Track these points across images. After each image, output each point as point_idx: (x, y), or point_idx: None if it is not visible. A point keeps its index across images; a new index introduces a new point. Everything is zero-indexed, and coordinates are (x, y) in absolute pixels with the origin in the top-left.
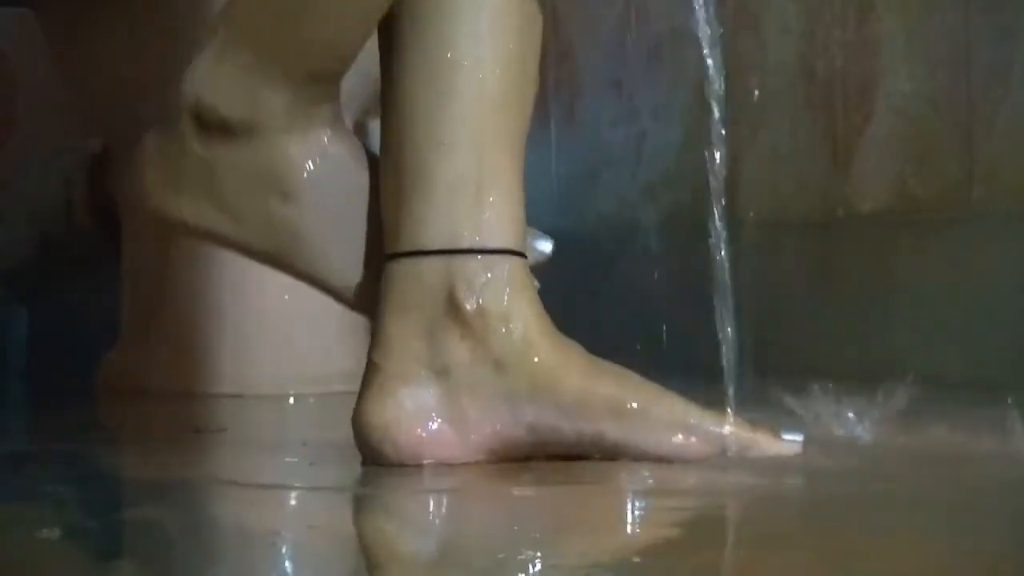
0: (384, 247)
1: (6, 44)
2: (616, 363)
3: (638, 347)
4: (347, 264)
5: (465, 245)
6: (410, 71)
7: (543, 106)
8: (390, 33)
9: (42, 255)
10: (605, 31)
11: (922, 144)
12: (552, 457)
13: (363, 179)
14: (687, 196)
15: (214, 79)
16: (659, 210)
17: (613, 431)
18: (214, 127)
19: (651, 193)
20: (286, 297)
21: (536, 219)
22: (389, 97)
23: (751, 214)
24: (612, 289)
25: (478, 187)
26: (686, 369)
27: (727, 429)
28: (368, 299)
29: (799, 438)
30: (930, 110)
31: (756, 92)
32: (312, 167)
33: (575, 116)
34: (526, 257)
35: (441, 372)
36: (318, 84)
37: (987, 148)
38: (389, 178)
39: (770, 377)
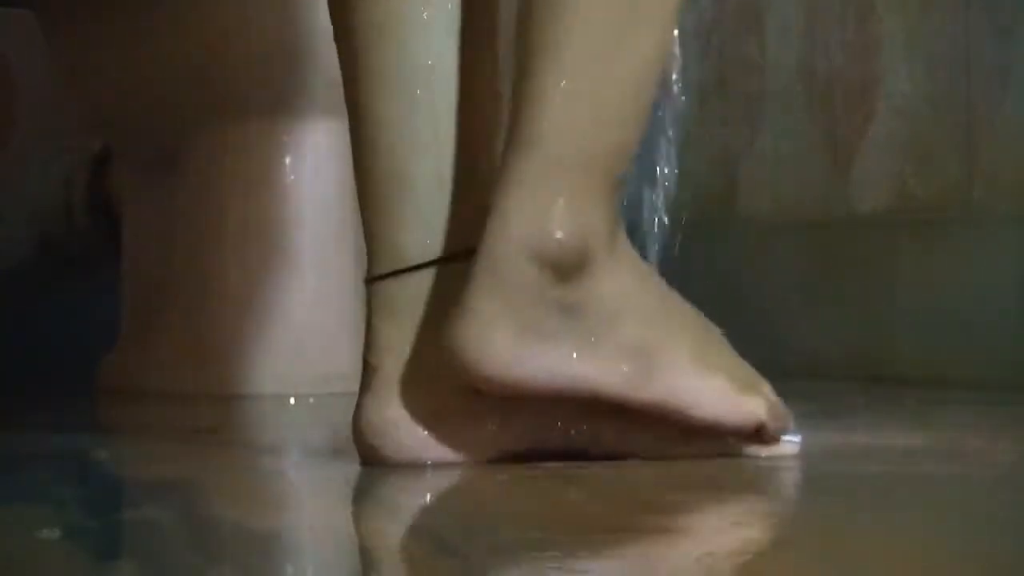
0: (368, 264)
1: (6, 44)
2: None
3: None
4: (691, 379)
5: (448, 252)
6: (375, 86)
7: None
8: (350, 47)
9: (42, 255)
10: None
11: (922, 144)
12: (551, 456)
13: (675, 297)
14: (687, 196)
15: (560, 211)
16: (658, 210)
17: (609, 428)
18: (572, 266)
19: (650, 193)
20: (286, 298)
21: None
22: (355, 115)
23: (751, 214)
24: None
25: (455, 193)
26: None
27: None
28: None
29: (797, 438)
30: (930, 110)
31: (756, 92)
32: (636, 264)
33: None
34: None
35: (437, 372)
36: (621, 186)
37: (987, 148)
38: (364, 195)
39: (770, 376)
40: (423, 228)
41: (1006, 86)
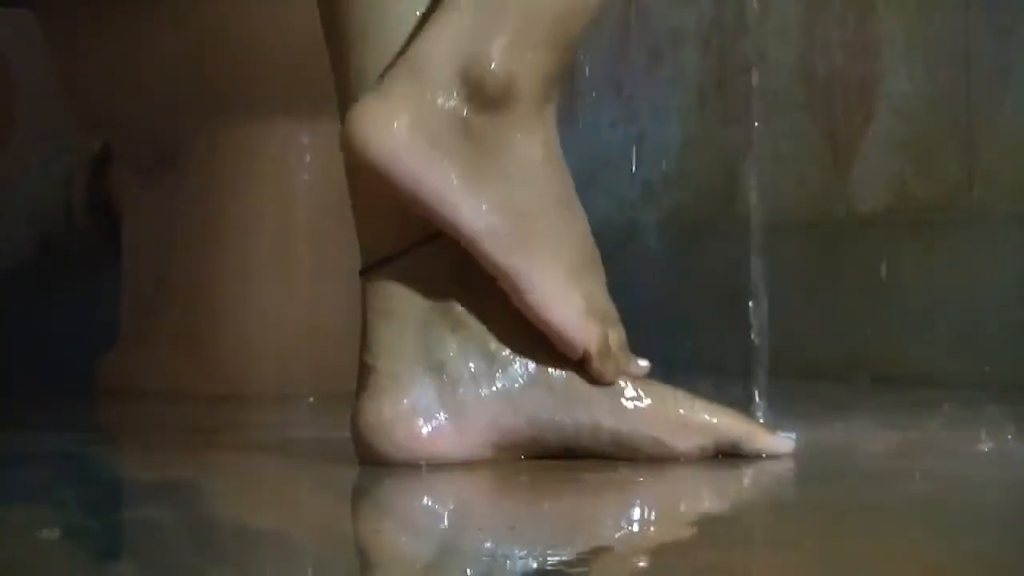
0: (361, 259)
1: (6, 44)
2: None
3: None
4: (555, 273)
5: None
6: (364, 85)
7: None
8: (340, 44)
9: (42, 255)
10: (605, 32)
11: (922, 144)
12: (550, 456)
13: (575, 207)
14: (687, 196)
15: (497, 47)
16: (658, 210)
17: (608, 419)
18: (494, 99)
19: (651, 194)
20: (286, 297)
21: None
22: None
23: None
24: (611, 289)
25: None
26: (685, 368)
27: (721, 419)
28: (560, 308)
29: (793, 436)
30: (930, 110)
31: (756, 92)
32: (555, 149)
33: (575, 116)
34: None
35: (435, 368)
36: (571, 54)
37: (987, 148)
38: (355, 196)
39: (769, 376)
40: (406, 221)
41: (1006, 86)
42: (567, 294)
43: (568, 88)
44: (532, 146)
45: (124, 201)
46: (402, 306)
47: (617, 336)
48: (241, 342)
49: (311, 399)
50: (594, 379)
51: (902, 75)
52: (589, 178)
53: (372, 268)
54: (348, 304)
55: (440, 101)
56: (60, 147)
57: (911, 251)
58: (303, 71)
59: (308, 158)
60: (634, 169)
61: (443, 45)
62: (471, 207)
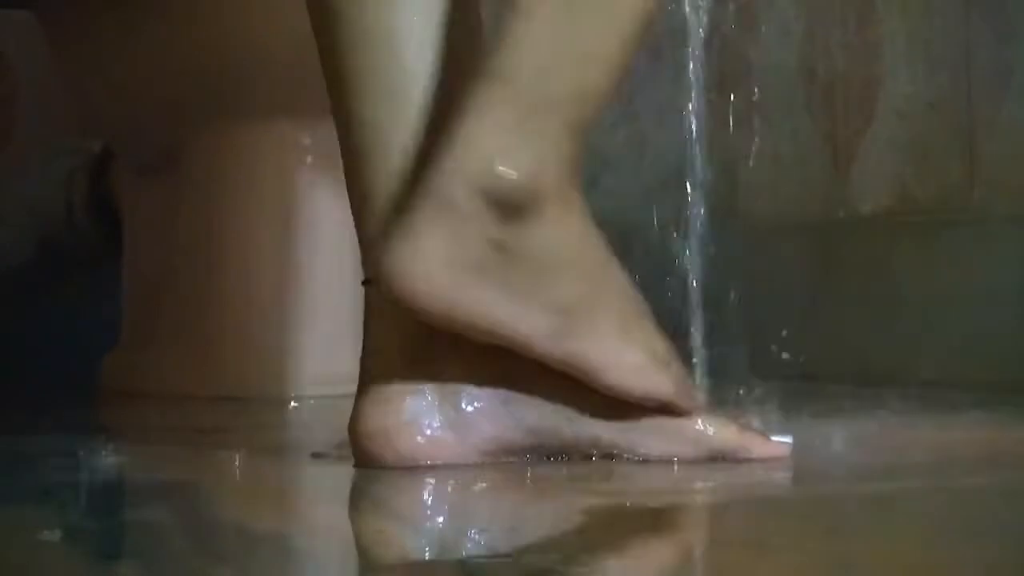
0: (363, 266)
1: (6, 44)
2: None
3: None
4: (610, 343)
5: None
6: (361, 90)
7: None
8: (332, 48)
9: (42, 255)
10: None
11: (923, 146)
12: (550, 458)
13: (605, 254)
14: (687, 197)
15: (511, 149)
16: (659, 212)
17: (608, 432)
18: (516, 206)
19: (651, 195)
20: (287, 299)
21: None
22: (343, 120)
23: (751, 215)
24: None
25: None
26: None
27: (717, 432)
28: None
29: (789, 440)
30: (931, 112)
31: (756, 93)
32: (586, 222)
33: None
34: None
35: (436, 376)
36: (584, 137)
37: (988, 150)
38: (357, 200)
39: (769, 377)
40: None
41: (1007, 87)
42: (624, 354)
43: None
44: (566, 233)
45: (124, 201)
46: (404, 311)
47: (676, 369)
48: (242, 343)
49: (311, 401)
50: (682, 413)
51: (903, 77)
52: (590, 180)
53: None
54: (349, 305)
55: (470, 229)
56: (60, 147)
57: (912, 253)
58: (304, 72)
59: (309, 159)
60: (635, 171)
61: (462, 164)
62: (523, 320)
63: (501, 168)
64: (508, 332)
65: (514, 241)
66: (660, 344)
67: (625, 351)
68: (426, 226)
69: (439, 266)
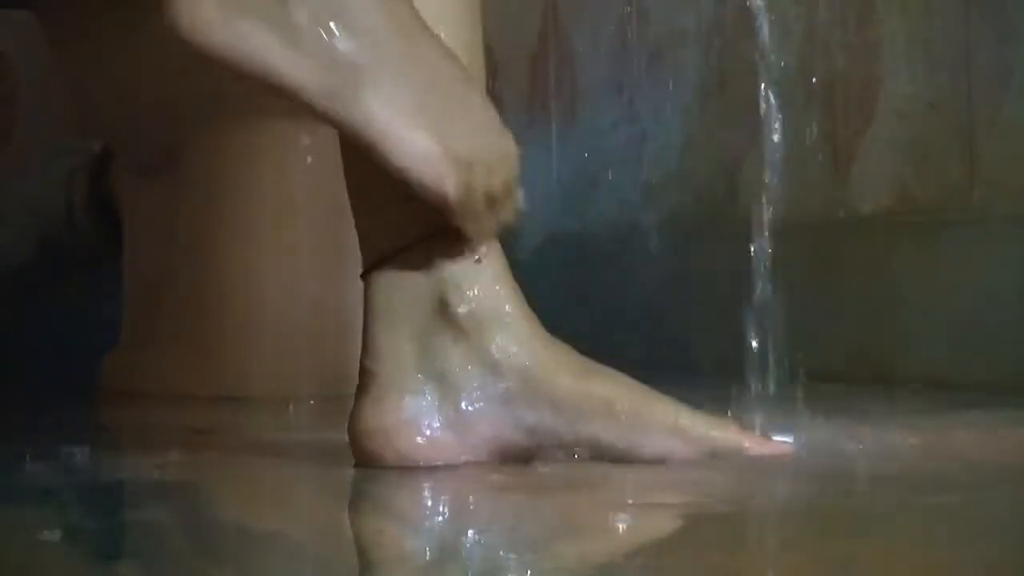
0: (362, 261)
1: (6, 44)
2: (614, 366)
3: (637, 347)
4: (398, 117)
5: (441, 223)
6: None
7: (544, 108)
8: None
9: (42, 255)
10: (606, 33)
11: (923, 146)
12: (550, 458)
13: (426, 46)
14: (688, 198)
15: None
16: (660, 212)
17: (607, 433)
18: None
19: (652, 195)
20: (287, 299)
21: (537, 220)
22: None
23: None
24: (612, 290)
25: None
26: (685, 370)
27: (717, 432)
28: (418, 156)
29: (789, 439)
30: (931, 112)
31: (756, 93)
32: (379, 3)
33: (576, 118)
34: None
35: (436, 376)
36: None
37: (988, 150)
38: (356, 198)
39: (769, 377)
40: (417, 216)
41: (1007, 87)
42: (411, 137)
43: (568, 89)
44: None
45: (124, 201)
46: (404, 311)
47: (493, 182)
48: (242, 343)
49: (311, 401)
50: (460, 241)
51: (903, 76)
52: (590, 180)
53: (372, 267)
54: (349, 306)
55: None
56: (60, 147)
57: (912, 253)
58: None
59: (309, 159)
60: (635, 171)
61: None
62: (300, 68)
63: None
64: (279, 79)
65: None
66: (473, 139)
67: (411, 131)
68: None
69: (217, 4)
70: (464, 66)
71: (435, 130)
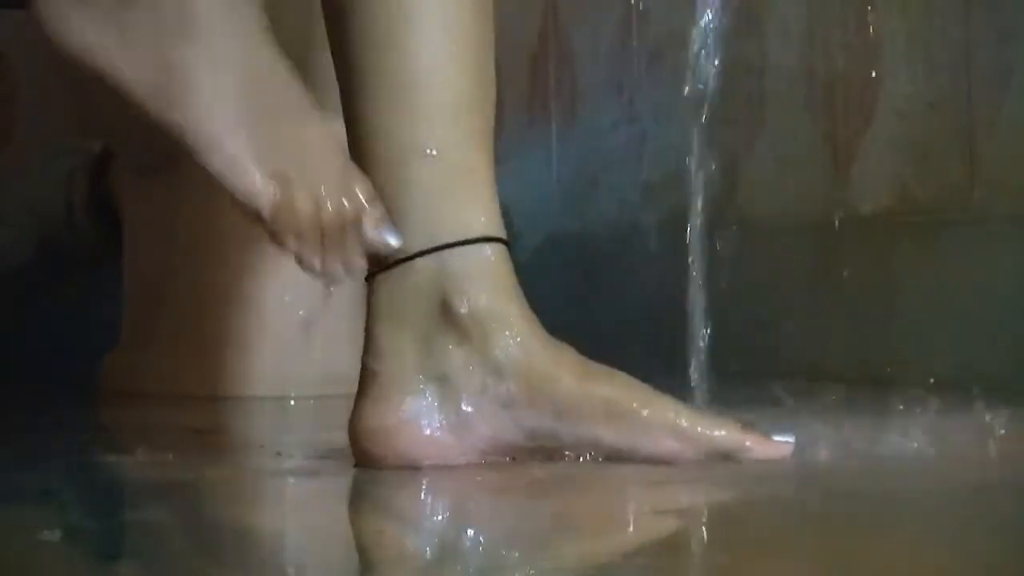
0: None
1: (6, 44)
2: (615, 365)
3: (638, 347)
4: (219, 124)
5: (447, 239)
6: (369, 81)
7: (544, 108)
8: (344, 48)
9: (42, 255)
10: (606, 33)
11: (923, 146)
12: (550, 459)
13: (268, 65)
14: (688, 198)
15: None
16: (659, 212)
17: (608, 434)
18: None
19: (651, 195)
20: (287, 299)
21: (537, 220)
22: (350, 109)
23: (751, 216)
24: (612, 290)
25: (454, 192)
26: (685, 370)
27: (718, 432)
28: (241, 165)
29: (790, 439)
30: (931, 112)
31: (756, 93)
32: (225, 15)
33: (576, 118)
34: (509, 245)
35: (438, 377)
36: None
37: (988, 150)
38: None
39: (769, 377)
40: (423, 223)
41: (1007, 87)
42: (228, 141)
43: (568, 89)
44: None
45: (124, 201)
46: (406, 312)
47: (323, 206)
48: (241, 343)
49: (311, 401)
50: (276, 240)
51: (903, 76)
52: (590, 180)
53: (377, 269)
54: (349, 306)
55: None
56: (60, 147)
57: (911, 253)
58: (304, 72)
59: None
60: (635, 171)
61: None
62: (124, 62)
63: None
64: (114, 74)
65: None
66: (308, 165)
67: (230, 135)
68: None
69: (66, 3)
70: (305, 90)
71: (255, 143)
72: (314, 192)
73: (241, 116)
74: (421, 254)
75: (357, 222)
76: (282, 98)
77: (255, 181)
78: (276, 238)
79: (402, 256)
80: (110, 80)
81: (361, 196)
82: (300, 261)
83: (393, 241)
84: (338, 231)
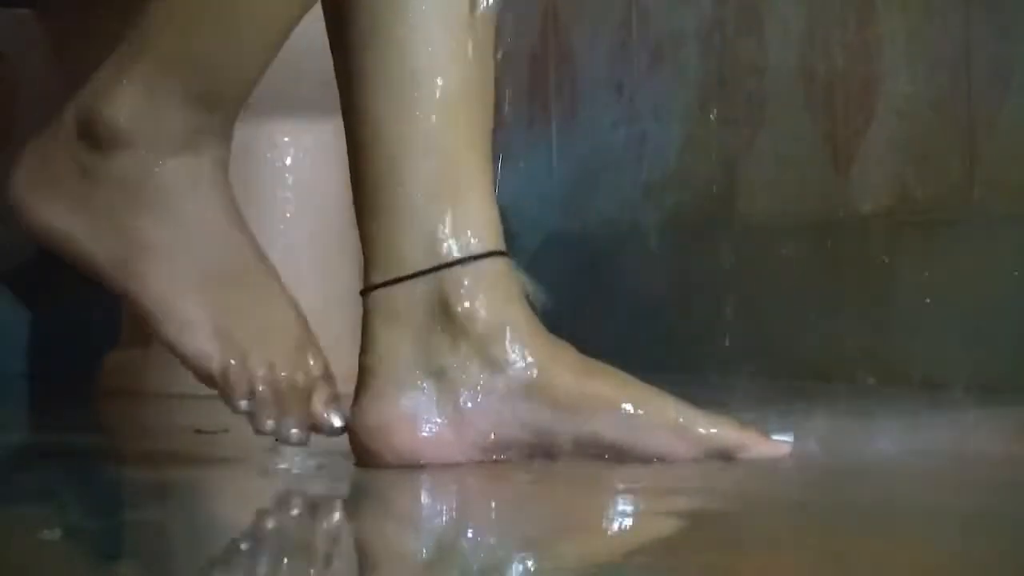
0: (365, 272)
1: (6, 44)
2: (615, 364)
3: (638, 347)
4: (175, 294)
5: (450, 257)
6: (368, 79)
7: (544, 107)
8: (344, 47)
9: (42, 255)
10: (606, 33)
11: (923, 145)
12: (550, 456)
13: (230, 237)
14: (688, 197)
15: (116, 91)
16: (660, 211)
17: (607, 431)
18: (103, 139)
19: (652, 194)
20: None
21: (537, 220)
22: (349, 107)
23: (752, 215)
24: (612, 289)
25: (452, 195)
26: (685, 369)
27: (717, 430)
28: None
29: (789, 439)
30: (931, 111)
31: (756, 93)
32: (186, 192)
33: (576, 117)
34: (508, 255)
35: (436, 374)
36: (214, 111)
37: (987, 149)
38: (361, 199)
39: (770, 376)
40: (422, 233)
41: (1007, 87)
42: (180, 308)
43: (568, 89)
44: (174, 181)
45: None
46: (405, 309)
47: (278, 377)
48: None
49: None
50: (228, 396)
51: (903, 76)
52: (590, 179)
53: (372, 289)
54: (348, 305)
55: (60, 152)
56: None
57: (912, 252)
58: (304, 73)
59: (309, 159)
60: (635, 170)
61: (78, 97)
62: (85, 238)
63: (98, 100)
64: (76, 248)
65: (95, 166)
66: (266, 338)
67: (185, 307)
68: (29, 146)
69: (25, 182)
70: (267, 260)
71: (210, 311)
72: (268, 359)
73: (198, 286)
74: (419, 274)
75: (308, 394)
76: (242, 271)
77: (204, 345)
78: (227, 400)
79: (402, 275)
80: (79, 262)
81: (315, 371)
82: (252, 422)
83: (337, 423)
84: (291, 396)
